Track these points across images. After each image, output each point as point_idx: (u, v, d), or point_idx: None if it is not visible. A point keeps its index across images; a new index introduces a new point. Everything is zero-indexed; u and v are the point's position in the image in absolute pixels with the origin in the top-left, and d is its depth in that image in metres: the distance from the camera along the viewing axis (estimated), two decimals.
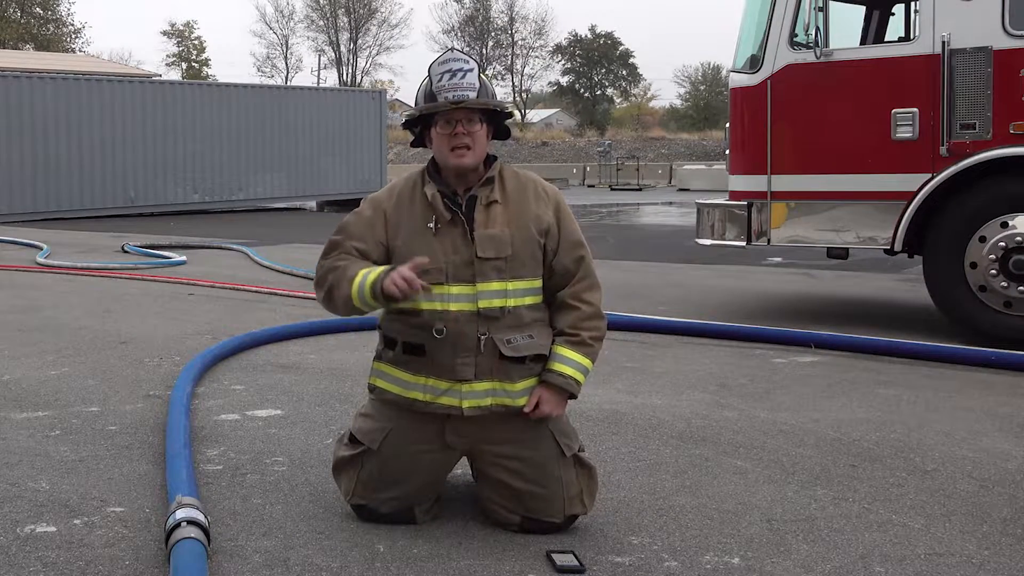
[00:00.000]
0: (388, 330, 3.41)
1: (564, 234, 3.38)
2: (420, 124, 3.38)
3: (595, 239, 14.53)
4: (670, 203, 28.57)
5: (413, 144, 3.47)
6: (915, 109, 6.94)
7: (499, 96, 3.48)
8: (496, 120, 3.40)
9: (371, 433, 3.39)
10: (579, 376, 3.33)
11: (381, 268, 3.23)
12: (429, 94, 3.29)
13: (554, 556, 3.10)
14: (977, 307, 6.79)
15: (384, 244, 3.35)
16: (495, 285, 3.28)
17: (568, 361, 3.32)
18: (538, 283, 3.37)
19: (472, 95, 3.25)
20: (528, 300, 3.34)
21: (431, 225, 3.30)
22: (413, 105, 3.43)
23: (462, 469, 3.64)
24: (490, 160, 3.41)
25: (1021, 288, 6.62)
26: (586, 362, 3.35)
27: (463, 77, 3.24)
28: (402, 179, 3.47)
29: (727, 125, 8.19)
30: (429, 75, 3.30)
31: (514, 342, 3.29)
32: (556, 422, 3.39)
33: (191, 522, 3.03)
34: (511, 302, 3.29)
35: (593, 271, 3.42)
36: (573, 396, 3.36)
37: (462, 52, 3.34)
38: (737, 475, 4.00)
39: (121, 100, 22.12)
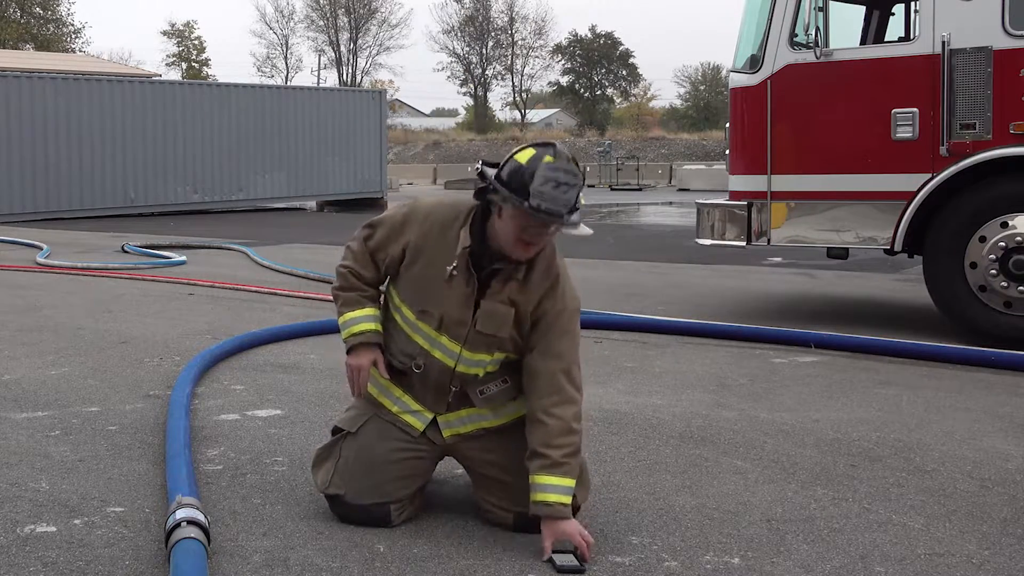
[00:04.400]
0: (385, 344, 3.48)
1: (553, 324, 3.30)
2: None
3: (595, 239, 14.54)
4: (670, 203, 28.59)
5: (476, 196, 3.24)
6: (915, 109, 6.94)
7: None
8: None
9: (352, 420, 3.50)
10: (564, 499, 3.19)
11: (363, 326, 3.40)
12: (522, 187, 3.05)
13: (554, 556, 3.10)
14: (977, 307, 6.79)
15: (395, 257, 3.37)
16: (481, 356, 3.35)
17: (549, 488, 3.19)
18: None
19: (565, 213, 3.07)
20: (505, 360, 3.39)
21: (449, 268, 3.25)
22: (499, 165, 3.17)
23: (462, 469, 3.63)
24: None
25: (1021, 288, 6.61)
26: (567, 481, 3.21)
27: (565, 192, 3.05)
28: (446, 205, 3.37)
29: (727, 125, 8.19)
30: (532, 168, 3.06)
31: (487, 391, 3.41)
32: None
33: (191, 522, 3.03)
34: (490, 368, 3.38)
35: (572, 382, 3.31)
36: (566, 517, 3.20)
37: (574, 163, 3.11)
38: (737, 475, 4.00)
39: (121, 100, 22.12)
